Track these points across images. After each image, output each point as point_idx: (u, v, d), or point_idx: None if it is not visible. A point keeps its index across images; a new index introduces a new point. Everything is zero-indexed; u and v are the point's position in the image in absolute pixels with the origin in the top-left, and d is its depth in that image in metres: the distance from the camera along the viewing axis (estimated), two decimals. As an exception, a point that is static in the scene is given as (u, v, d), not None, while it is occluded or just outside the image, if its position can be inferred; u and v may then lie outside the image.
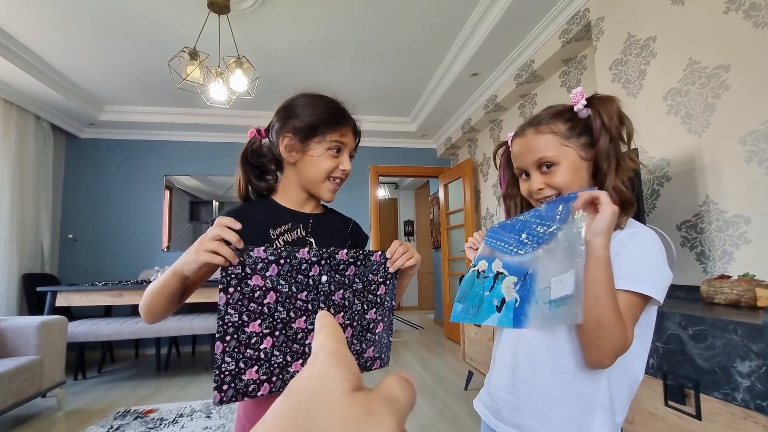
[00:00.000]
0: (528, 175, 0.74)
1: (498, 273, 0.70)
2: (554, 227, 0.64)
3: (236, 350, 0.63)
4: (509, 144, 0.81)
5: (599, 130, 0.67)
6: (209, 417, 2.34)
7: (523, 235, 0.69)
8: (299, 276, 0.66)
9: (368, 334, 0.75)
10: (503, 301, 0.66)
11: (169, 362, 3.53)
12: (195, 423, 2.26)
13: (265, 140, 0.87)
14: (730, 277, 1.30)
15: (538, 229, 0.66)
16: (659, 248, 0.66)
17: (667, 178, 1.66)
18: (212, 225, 0.64)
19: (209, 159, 4.39)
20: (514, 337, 0.75)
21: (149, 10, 2.40)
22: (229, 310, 0.62)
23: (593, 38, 2.11)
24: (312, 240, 0.84)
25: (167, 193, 4.28)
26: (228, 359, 0.62)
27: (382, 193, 7.13)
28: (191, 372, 3.35)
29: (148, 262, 4.12)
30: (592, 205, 0.61)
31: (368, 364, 0.76)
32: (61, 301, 2.96)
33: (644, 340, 0.68)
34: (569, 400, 0.67)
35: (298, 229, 0.83)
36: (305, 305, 0.67)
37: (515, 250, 0.70)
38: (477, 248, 0.80)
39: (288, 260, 0.65)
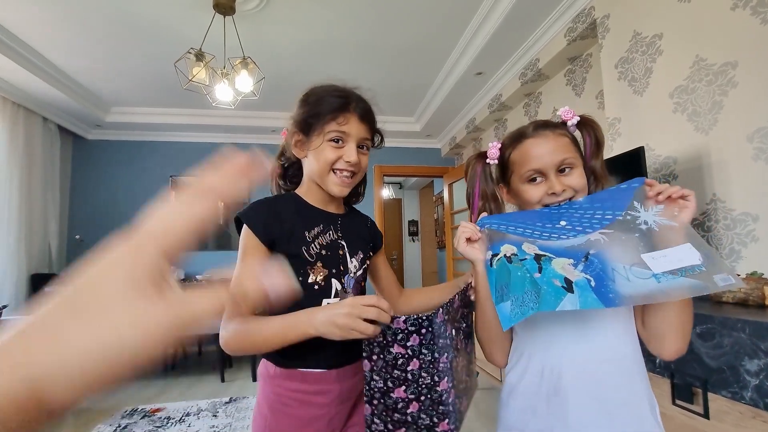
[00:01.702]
0: (536, 179, 0.73)
1: (538, 255, 0.64)
2: (622, 213, 0.66)
3: (384, 413, 0.66)
4: (495, 154, 0.77)
5: (592, 148, 0.75)
6: (216, 416, 2.36)
7: (563, 222, 0.68)
8: (440, 340, 0.63)
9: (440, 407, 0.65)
10: (568, 281, 0.59)
11: (175, 362, 3.56)
12: (202, 422, 2.28)
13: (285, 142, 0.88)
14: (738, 275, 1.29)
15: (593, 215, 0.68)
16: None
17: (673, 176, 1.65)
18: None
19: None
20: (539, 353, 0.70)
21: (155, 11, 2.42)
22: (374, 377, 0.65)
23: (599, 36, 2.10)
24: (344, 243, 0.83)
25: (173, 193, 4.30)
26: (377, 421, 0.66)
27: (387, 192, 7.13)
28: (198, 372, 3.38)
29: (154, 262, 4.15)
30: (671, 199, 0.64)
31: None
32: (69, 300, 2.99)
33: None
34: (629, 401, 0.66)
35: (330, 231, 0.82)
36: (447, 366, 0.64)
37: (553, 235, 0.67)
38: (476, 238, 0.71)
39: (430, 329, 0.62)
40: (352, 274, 0.83)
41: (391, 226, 7.21)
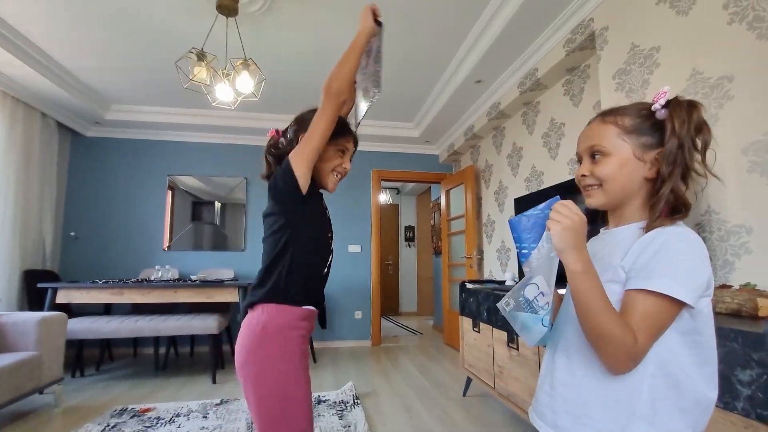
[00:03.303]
0: (580, 162, 0.76)
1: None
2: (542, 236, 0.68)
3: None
4: None
5: (668, 134, 0.66)
6: (206, 417, 2.34)
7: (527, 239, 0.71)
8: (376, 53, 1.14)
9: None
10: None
11: (167, 362, 3.52)
12: (192, 423, 2.25)
13: (282, 139, 1.08)
14: (731, 286, 1.30)
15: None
16: (686, 245, 0.61)
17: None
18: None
19: (213, 160, 4.42)
20: (556, 336, 0.75)
21: (158, 10, 2.43)
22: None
23: (597, 48, 2.13)
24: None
25: (170, 193, 4.30)
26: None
27: (384, 197, 7.14)
28: (189, 372, 3.35)
29: (148, 261, 4.13)
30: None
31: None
32: (62, 297, 2.96)
33: (698, 350, 0.62)
34: (604, 406, 0.64)
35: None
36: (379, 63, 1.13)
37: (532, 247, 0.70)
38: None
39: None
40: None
41: (388, 232, 7.21)
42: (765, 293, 1.17)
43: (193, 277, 3.41)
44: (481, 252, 4.06)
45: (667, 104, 0.67)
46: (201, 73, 2.05)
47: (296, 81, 3.36)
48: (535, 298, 0.66)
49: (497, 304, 0.75)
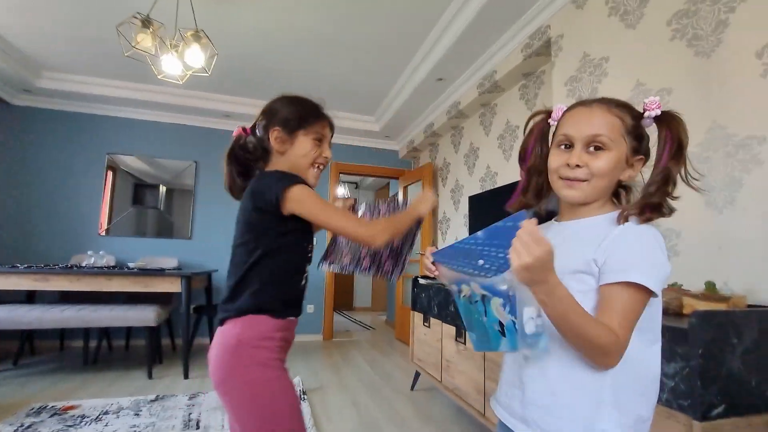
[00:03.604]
0: (569, 147, 0.69)
1: (483, 295, 0.65)
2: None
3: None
4: (558, 115, 0.74)
5: (672, 151, 0.65)
6: (138, 415, 2.18)
7: (481, 261, 0.63)
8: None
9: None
10: (502, 324, 0.62)
11: (98, 356, 3.26)
12: (121, 421, 2.09)
13: (251, 137, 0.98)
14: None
15: (499, 255, 0.60)
16: (655, 240, 0.64)
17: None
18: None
19: (159, 140, 4.13)
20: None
21: (100, -29, 2.21)
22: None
23: (552, 54, 2.20)
24: None
25: (110, 173, 3.97)
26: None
27: (342, 191, 7.06)
28: (122, 367, 3.12)
29: (81, 245, 3.79)
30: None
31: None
32: (-28, 283, 2.64)
33: (650, 332, 0.66)
34: (573, 396, 0.64)
35: None
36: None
37: (481, 273, 0.64)
38: (434, 274, 0.74)
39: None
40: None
41: (345, 226, 7.14)
42: (689, 292, 1.26)
43: (132, 265, 3.17)
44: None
45: (663, 116, 0.67)
46: (145, 41, 1.88)
47: (253, 60, 3.20)
48: (530, 318, 0.60)
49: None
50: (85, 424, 2.03)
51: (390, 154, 4.98)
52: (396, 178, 5.06)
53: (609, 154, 0.66)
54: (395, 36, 2.78)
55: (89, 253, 3.17)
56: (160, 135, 4.14)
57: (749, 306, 1.22)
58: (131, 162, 4.03)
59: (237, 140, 0.99)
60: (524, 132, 0.80)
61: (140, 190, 4.04)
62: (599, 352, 0.60)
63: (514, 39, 2.56)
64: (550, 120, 0.76)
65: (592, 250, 0.64)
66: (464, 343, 2.12)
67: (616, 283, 0.60)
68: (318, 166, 0.99)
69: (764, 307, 1.19)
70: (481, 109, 3.34)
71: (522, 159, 0.79)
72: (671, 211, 0.68)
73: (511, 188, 0.82)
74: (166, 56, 2.09)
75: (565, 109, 0.74)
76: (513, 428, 0.71)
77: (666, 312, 1.28)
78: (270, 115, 0.97)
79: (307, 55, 3.07)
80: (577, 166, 0.67)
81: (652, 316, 0.65)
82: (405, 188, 4.78)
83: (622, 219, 0.65)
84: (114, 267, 3.15)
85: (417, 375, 2.80)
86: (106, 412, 2.19)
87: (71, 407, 2.24)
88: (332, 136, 1.03)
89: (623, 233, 0.64)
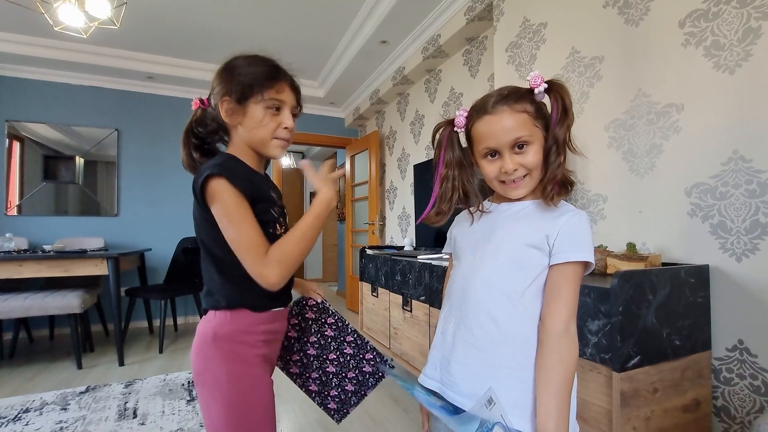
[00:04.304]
0: (494, 155, 0.72)
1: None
2: None
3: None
4: (461, 122, 0.77)
5: (559, 115, 0.69)
6: (65, 409, 2.01)
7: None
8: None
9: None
10: None
11: (15, 349, 2.95)
12: (45, 418, 1.92)
13: (210, 109, 0.86)
14: (588, 248, 1.47)
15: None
16: (587, 222, 0.72)
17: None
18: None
19: (72, 105, 3.63)
20: (458, 296, 0.77)
21: None
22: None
23: (494, 19, 2.17)
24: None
25: (16, 144, 3.46)
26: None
27: (287, 161, 6.78)
28: (46, 359, 2.85)
29: (-18, 229, 3.33)
30: None
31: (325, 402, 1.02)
32: None
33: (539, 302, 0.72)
34: (511, 356, 0.70)
35: (272, 192, 0.87)
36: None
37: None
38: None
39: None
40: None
41: (292, 197, 6.94)
42: (613, 253, 1.35)
43: (47, 248, 2.84)
44: (383, 218, 4.12)
45: (550, 86, 0.70)
46: (27, -16, 1.57)
47: (175, 14, 2.86)
48: None
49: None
50: (1, 426, 1.84)
51: (336, 122, 4.81)
52: (343, 147, 4.92)
53: (533, 146, 0.70)
54: (334, -7, 2.60)
55: (-7, 236, 2.79)
56: (72, 99, 3.64)
57: (663, 264, 1.33)
58: (41, 130, 3.53)
59: (194, 115, 0.87)
60: (433, 145, 0.82)
61: (51, 162, 3.57)
62: (575, 366, 0.67)
63: (457, 1, 2.49)
64: (455, 129, 0.78)
65: (534, 229, 0.71)
66: (410, 311, 2.16)
67: (567, 262, 0.68)
68: (280, 139, 0.84)
69: (675, 264, 1.30)
70: (426, 75, 3.28)
71: (434, 170, 0.81)
72: (571, 183, 0.73)
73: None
74: (63, 4, 1.77)
75: (465, 114, 0.76)
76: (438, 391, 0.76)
77: (593, 273, 1.36)
78: (221, 80, 0.82)
79: (236, 9, 2.79)
80: (515, 169, 0.71)
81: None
82: (352, 157, 4.68)
83: (548, 199, 0.71)
84: (26, 251, 2.81)
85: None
86: (27, 410, 2.00)
87: (-17, 408, 2.01)
88: (299, 98, 0.87)
89: (565, 219, 0.70)
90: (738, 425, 1.19)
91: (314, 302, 1.00)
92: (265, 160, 0.89)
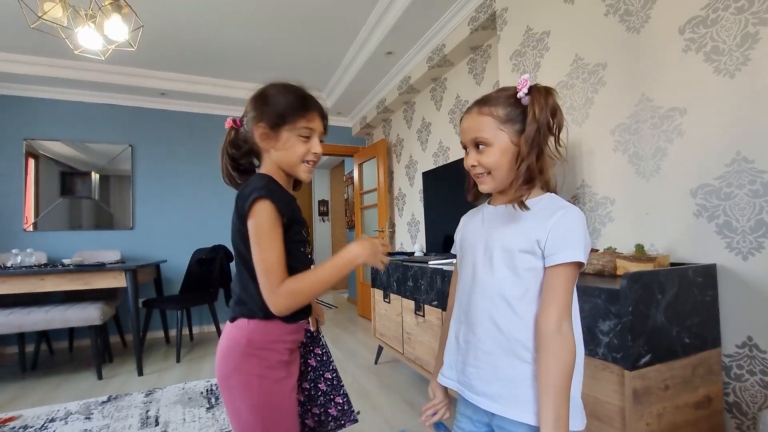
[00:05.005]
0: (466, 150, 0.80)
1: None
2: None
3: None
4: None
5: (529, 118, 0.71)
6: (89, 418, 2.07)
7: None
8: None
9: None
10: None
11: (37, 361, 3.03)
12: (71, 427, 1.98)
13: (242, 129, 0.92)
14: (597, 250, 1.50)
15: None
16: (582, 221, 0.73)
17: (553, 163, 1.84)
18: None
19: (87, 122, 3.75)
20: (465, 302, 0.81)
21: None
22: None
23: (497, 28, 2.23)
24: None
25: (31, 162, 3.58)
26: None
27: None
28: (68, 370, 2.92)
29: (3, 244, 3.43)
30: None
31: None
32: None
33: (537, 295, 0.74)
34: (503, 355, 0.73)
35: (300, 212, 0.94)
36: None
37: None
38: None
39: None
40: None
41: (301, 206, 6.98)
42: (622, 255, 1.38)
43: (67, 261, 2.93)
44: (392, 225, 4.17)
45: (529, 91, 0.72)
46: (55, 10, 1.65)
47: (186, 34, 2.96)
48: None
49: None
50: (29, 434, 1.90)
51: (343, 131, 4.89)
52: (350, 155, 4.99)
53: (491, 148, 0.74)
54: (342, 6, 2.68)
55: (14, 251, 2.88)
56: (87, 116, 3.76)
57: (671, 264, 1.35)
58: (57, 148, 3.65)
59: (228, 136, 0.93)
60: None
61: (68, 178, 3.69)
62: (573, 364, 0.67)
63: (461, 12, 2.56)
64: None
65: (527, 230, 0.73)
66: (423, 316, 2.19)
67: (560, 264, 0.69)
68: (309, 162, 0.91)
69: (683, 264, 1.33)
70: (432, 84, 3.34)
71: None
72: (545, 181, 0.77)
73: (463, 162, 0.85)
74: (82, 29, 1.86)
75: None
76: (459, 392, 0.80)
77: (602, 274, 1.39)
78: (256, 106, 0.88)
79: (248, 24, 2.89)
80: (473, 165, 0.77)
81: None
82: (360, 165, 4.74)
83: (517, 201, 0.72)
84: (46, 265, 2.89)
85: (380, 349, 2.87)
86: (53, 420, 2.06)
87: (10, 419, 2.08)
88: (326, 125, 0.94)
89: (555, 218, 0.71)
90: (750, 421, 1.20)
91: (309, 330, 1.02)
92: (293, 180, 0.95)
